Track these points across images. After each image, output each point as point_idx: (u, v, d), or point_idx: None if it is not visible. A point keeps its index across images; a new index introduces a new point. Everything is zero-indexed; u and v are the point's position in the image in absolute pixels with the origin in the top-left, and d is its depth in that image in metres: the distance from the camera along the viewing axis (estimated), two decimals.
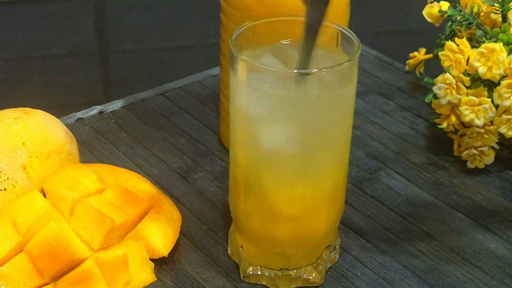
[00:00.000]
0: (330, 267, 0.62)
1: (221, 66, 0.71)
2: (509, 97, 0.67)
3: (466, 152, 0.72)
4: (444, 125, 0.73)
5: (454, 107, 0.71)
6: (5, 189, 0.60)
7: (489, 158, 0.72)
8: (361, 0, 1.10)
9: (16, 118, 0.63)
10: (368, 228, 0.66)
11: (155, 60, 0.97)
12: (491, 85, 0.69)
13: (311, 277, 0.60)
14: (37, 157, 0.62)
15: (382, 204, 0.68)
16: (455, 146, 0.74)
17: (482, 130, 0.70)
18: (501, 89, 0.67)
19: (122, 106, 0.81)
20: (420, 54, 0.86)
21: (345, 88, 0.54)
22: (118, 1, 1.11)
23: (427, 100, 0.77)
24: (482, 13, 0.75)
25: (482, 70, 0.68)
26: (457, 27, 0.75)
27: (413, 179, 0.72)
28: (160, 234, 0.60)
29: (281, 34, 0.56)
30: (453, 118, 0.72)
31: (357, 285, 0.60)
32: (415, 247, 0.64)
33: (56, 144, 0.64)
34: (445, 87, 0.70)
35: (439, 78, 0.70)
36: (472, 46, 0.71)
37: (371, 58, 0.91)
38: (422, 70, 0.86)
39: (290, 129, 0.53)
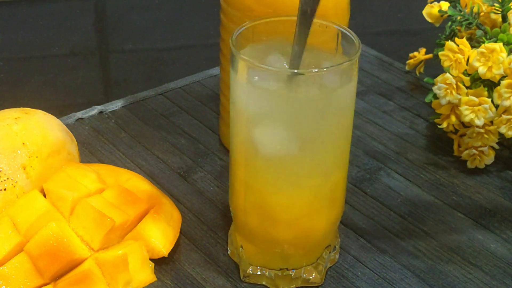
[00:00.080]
0: (330, 267, 0.61)
1: (221, 66, 0.71)
2: (509, 97, 0.67)
3: (466, 152, 0.72)
4: (444, 125, 0.73)
5: (454, 107, 0.71)
6: (5, 189, 0.60)
7: (489, 158, 0.72)
8: (361, 0, 1.10)
9: (16, 118, 0.63)
10: (368, 228, 0.66)
11: (155, 60, 0.97)
12: (491, 85, 0.69)
13: (311, 277, 0.60)
14: (37, 157, 0.62)
15: (382, 204, 0.68)
16: (455, 146, 0.74)
17: (482, 130, 0.70)
18: (501, 89, 0.67)
19: (122, 106, 0.81)
20: (420, 54, 0.86)
21: (345, 88, 0.54)
22: (118, 1, 1.11)
23: (427, 100, 0.77)
24: (482, 13, 0.75)
25: (482, 70, 0.68)
26: (457, 27, 0.75)
27: (413, 179, 0.72)
28: (160, 234, 0.60)
29: (281, 34, 0.56)
30: (453, 118, 0.72)
31: (357, 285, 0.60)
32: (415, 247, 0.64)
33: (56, 144, 0.64)
34: (445, 87, 0.70)
35: (439, 78, 0.70)
36: (472, 46, 0.71)
37: (371, 58, 0.91)
38: (422, 70, 0.86)
39: (291, 129, 0.53)
